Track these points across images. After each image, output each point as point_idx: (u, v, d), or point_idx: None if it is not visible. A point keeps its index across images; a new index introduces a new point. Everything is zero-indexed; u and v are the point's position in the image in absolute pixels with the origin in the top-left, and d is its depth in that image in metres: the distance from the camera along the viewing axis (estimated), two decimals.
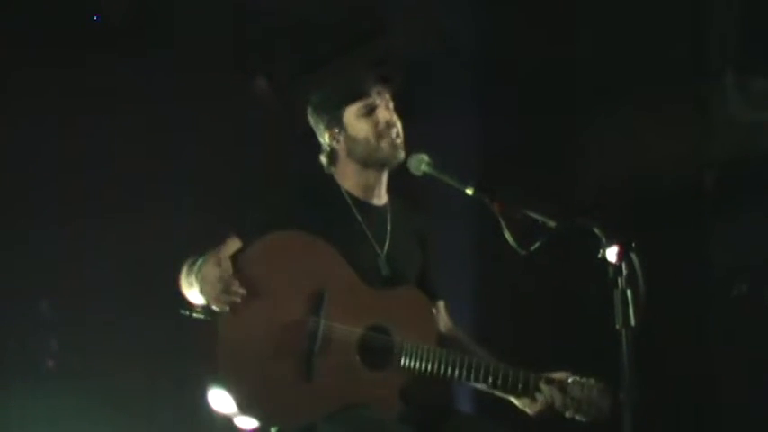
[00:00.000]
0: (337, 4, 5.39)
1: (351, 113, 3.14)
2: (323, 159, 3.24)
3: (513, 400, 3.11)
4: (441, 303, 3.31)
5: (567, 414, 3.02)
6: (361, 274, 3.03)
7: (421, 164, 3.12)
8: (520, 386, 3.01)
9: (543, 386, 3.01)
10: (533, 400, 3.03)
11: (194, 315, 2.86)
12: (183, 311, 2.90)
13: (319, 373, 2.85)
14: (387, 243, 3.15)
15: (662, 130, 5.26)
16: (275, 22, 5.37)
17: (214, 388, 2.81)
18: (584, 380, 3.03)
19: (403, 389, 2.98)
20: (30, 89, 5.03)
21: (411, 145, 3.20)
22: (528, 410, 3.07)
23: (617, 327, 2.57)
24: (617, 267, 2.59)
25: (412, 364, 2.96)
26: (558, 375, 3.04)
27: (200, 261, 2.89)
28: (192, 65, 5.27)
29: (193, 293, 2.92)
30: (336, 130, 3.16)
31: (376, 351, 2.95)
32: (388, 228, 3.19)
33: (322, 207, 3.11)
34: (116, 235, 5.01)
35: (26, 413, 4.81)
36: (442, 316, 3.30)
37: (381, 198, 3.24)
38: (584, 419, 3.02)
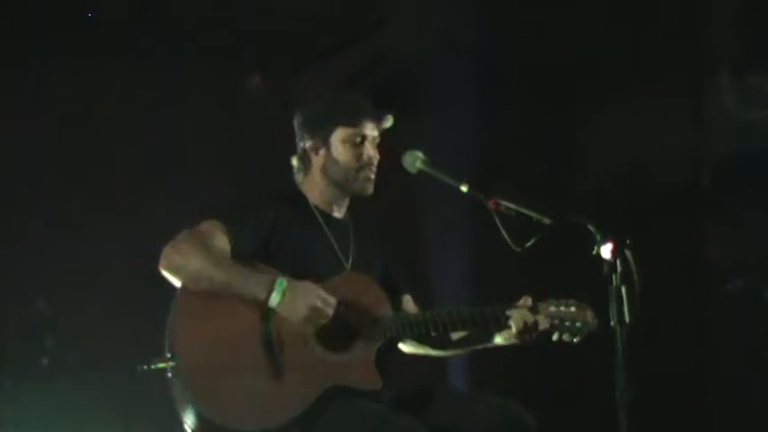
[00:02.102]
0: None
1: (339, 136, 3.19)
2: (294, 162, 3.28)
3: (497, 340, 3.14)
4: (407, 297, 3.35)
5: (554, 338, 3.04)
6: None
7: (416, 161, 3.15)
8: (491, 320, 3.04)
9: (511, 311, 3.04)
10: (509, 329, 3.05)
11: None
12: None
13: (287, 369, 2.89)
14: (351, 255, 3.21)
15: (658, 127, 5.27)
16: (273, 17, 5.36)
17: (190, 414, 2.86)
18: (557, 300, 3.06)
19: (380, 365, 3.01)
20: (29, 88, 5.03)
21: (409, 142, 3.21)
22: (513, 341, 3.09)
23: (611, 323, 2.58)
24: (612, 264, 2.60)
25: (376, 334, 3.02)
26: (522, 300, 3.07)
27: (283, 281, 2.92)
28: (189, 63, 5.27)
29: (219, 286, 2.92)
30: (319, 144, 3.21)
31: (336, 335, 2.99)
32: (351, 238, 3.25)
33: (292, 217, 3.15)
34: (113, 233, 5.01)
35: (20, 410, 4.81)
36: (410, 308, 3.34)
37: (343, 213, 3.30)
38: (572, 338, 3.02)
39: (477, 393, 3.14)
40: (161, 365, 2.90)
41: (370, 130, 3.19)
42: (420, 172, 3.14)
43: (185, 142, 5.24)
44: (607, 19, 5.31)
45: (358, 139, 3.17)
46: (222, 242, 2.98)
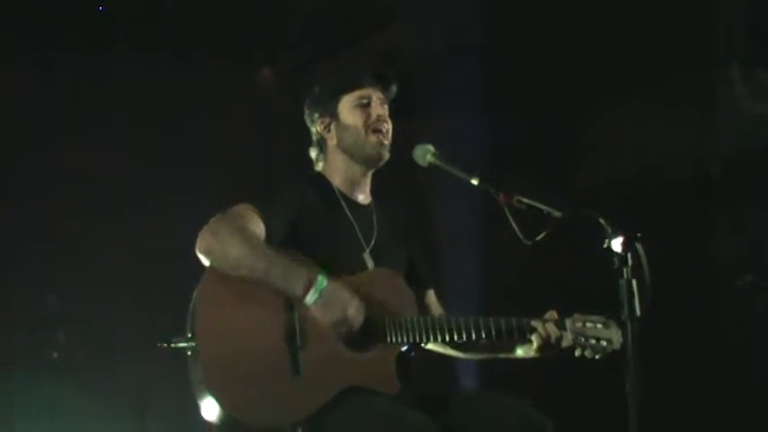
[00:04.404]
0: None
1: (346, 103, 3.20)
2: (312, 153, 3.28)
3: (518, 352, 3.13)
4: (431, 292, 3.34)
5: (577, 353, 3.01)
6: (347, 270, 3.04)
7: (426, 154, 3.13)
8: (515, 331, 3.00)
9: (536, 323, 3.01)
10: (531, 342, 3.03)
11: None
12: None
13: (306, 365, 2.86)
14: (374, 239, 3.19)
15: (668, 121, 5.26)
16: (281, 10, 5.37)
17: (206, 402, 2.83)
18: (585, 316, 3.03)
19: (400, 367, 2.98)
20: (34, 86, 5.04)
21: (419, 138, 3.21)
22: (533, 354, 3.07)
23: (622, 318, 2.58)
24: (622, 258, 2.59)
25: (398, 336, 2.97)
26: (548, 314, 3.05)
27: (323, 280, 2.87)
28: (196, 57, 5.28)
29: (247, 270, 2.87)
30: (329, 119, 3.22)
31: (360, 332, 2.94)
32: (375, 225, 3.22)
33: (316, 202, 3.14)
34: (122, 230, 5.03)
35: (31, 404, 4.84)
36: (433, 303, 3.33)
37: (366, 197, 3.28)
38: (595, 356, 3.00)
39: (495, 394, 3.07)
40: (181, 345, 2.87)
41: (374, 90, 3.20)
42: (431, 165, 3.12)
43: (195, 140, 5.26)
44: (617, 13, 5.31)
45: (364, 101, 3.18)
46: (258, 227, 2.94)
